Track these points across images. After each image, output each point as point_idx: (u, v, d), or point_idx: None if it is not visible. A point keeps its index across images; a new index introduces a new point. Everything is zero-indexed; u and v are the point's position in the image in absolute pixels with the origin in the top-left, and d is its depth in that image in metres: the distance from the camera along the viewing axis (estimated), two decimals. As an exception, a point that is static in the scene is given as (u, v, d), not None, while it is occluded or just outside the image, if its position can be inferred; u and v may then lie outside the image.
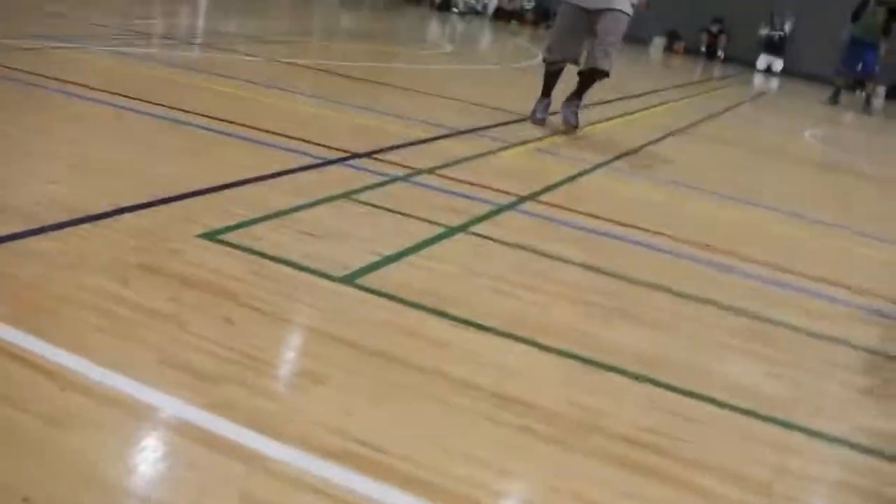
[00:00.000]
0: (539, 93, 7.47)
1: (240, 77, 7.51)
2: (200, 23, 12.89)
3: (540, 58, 7.59)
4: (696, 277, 4.18)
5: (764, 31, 22.41)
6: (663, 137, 8.20)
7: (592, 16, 6.85)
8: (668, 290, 3.84)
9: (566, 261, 4.00)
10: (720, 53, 22.95)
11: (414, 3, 25.41)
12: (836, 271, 4.69)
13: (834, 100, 15.47)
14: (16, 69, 6.13)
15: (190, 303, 2.82)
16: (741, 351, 3.33)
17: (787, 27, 22.27)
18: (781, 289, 4.22)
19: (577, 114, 7.24)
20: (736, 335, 3.48)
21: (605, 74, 7.00)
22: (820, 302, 4.14)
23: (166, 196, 3.83)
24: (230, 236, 3.48)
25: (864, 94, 15.99)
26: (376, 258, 3.54)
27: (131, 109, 5.55)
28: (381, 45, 13.67)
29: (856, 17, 15.04)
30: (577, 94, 7.26)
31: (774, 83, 19.74)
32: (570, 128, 7.17)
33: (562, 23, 7.18)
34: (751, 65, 22.20)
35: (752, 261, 4.56)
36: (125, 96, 5.82)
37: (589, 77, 7.11)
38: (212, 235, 3.44)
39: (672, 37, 23.07)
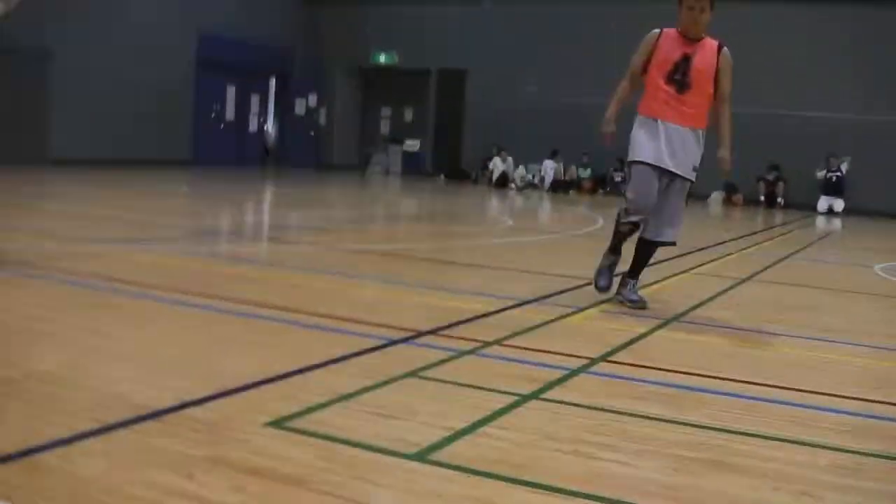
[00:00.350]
0: (603, 251, 6.96)
1: (303, 266, 7.59)
2: (265, 218, 13.18)
3: (617, 214, 6.83)
4: (783, 419, 3.99)
5: (821, 174, 22.37)
6: (733, 287, 8.06)
7: (666, 178, 6.43)
8: (756, 435, 3.67)
9: (646, 416, 3.86)
10: (780, 200, 22.89)
11: (472, 182, 25.87)
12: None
13: None
14: (87, 272, 6.28)
15: (256, 492, 2.72)
16: (839, 487, 3.14)
17: (844, 167, 22.21)
18: (873, 420, 4.03)
19: (638, 294, 6.69)
20: (832, 472, 3.29)
21: (672, 244, 6.69)
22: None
23: (232, 387, 3.78)
24: (297, 423, 3.40)
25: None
26: (448, 433, 3.43)
27: (198, 305, 5.60)
28: (442, 225, 13.81)
29: None
30: (634, 272, 6.74)
31: (838, 223, 19.54)
32: (639, 307, 6.58)
33: (640, 181, 6.46)
34: (812, 208, 22.08)
35: (840, 396, 4.38)
36: (192, 293, 5.90)
37: (650, 249, 6.72)
38: (278, 423, 3.37)
39: (730, 189, 23.11)
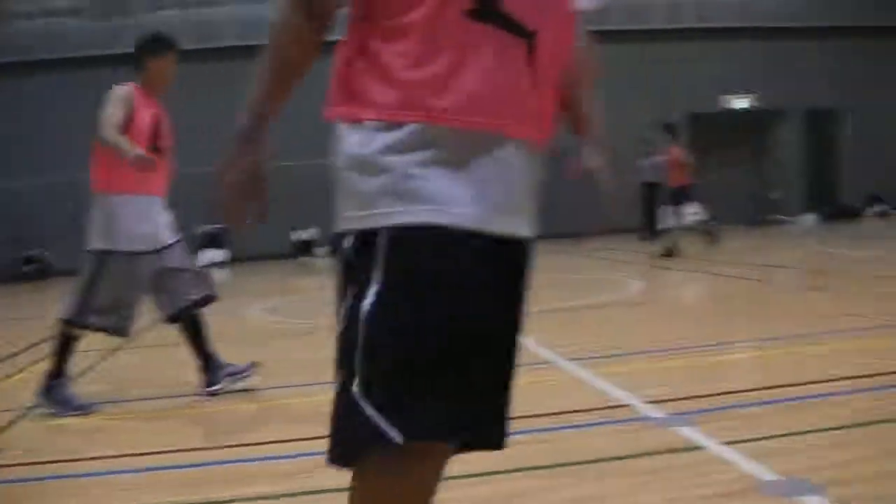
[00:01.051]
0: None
1: None
2: None
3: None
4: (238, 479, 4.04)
5: (203, 228, 22.69)
6: (99, 361, 7.79)
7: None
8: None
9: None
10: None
11: None
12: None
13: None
14: None
15: None
16: None
17: (227, 219, 22.82)
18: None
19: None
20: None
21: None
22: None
23: None
24: None
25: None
26: None
27: None
28: None
29: None
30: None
31: (225, 274, 19.60)
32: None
33: (104, 277, 5.73)
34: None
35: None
36: None
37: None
38: None
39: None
